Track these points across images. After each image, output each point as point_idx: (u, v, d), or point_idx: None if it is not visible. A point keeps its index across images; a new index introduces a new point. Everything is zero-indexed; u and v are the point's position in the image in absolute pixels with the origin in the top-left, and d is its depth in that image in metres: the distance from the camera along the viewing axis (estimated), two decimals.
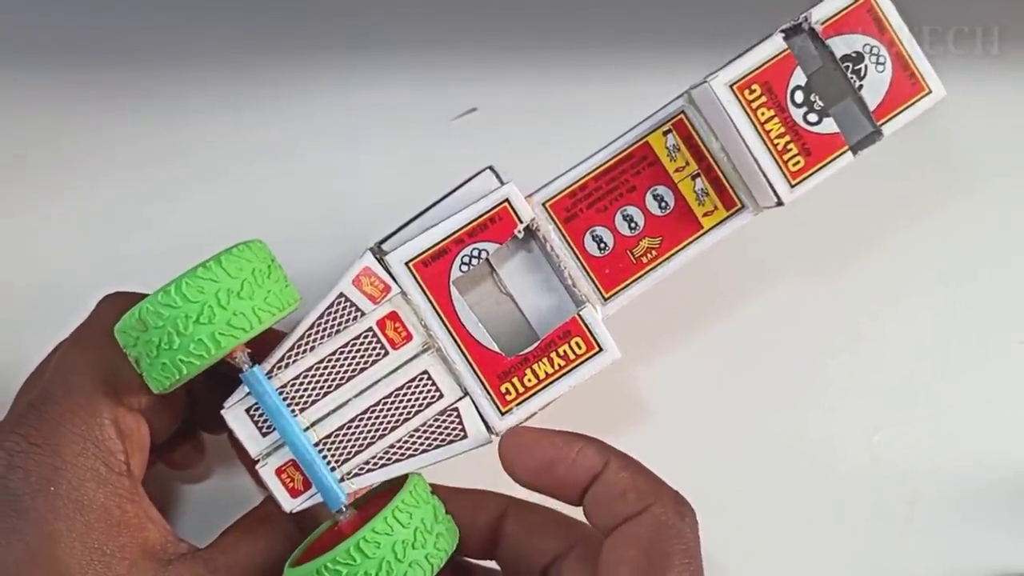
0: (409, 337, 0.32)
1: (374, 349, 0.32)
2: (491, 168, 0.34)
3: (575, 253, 0.34)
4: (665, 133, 0.34)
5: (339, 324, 0.32)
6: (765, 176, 0.32)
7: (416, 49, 0.42)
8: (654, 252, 0.34)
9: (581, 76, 0.43)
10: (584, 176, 0.34)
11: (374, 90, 0.42)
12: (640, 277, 0.34)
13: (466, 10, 0.42)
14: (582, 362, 0.33)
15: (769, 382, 0.42)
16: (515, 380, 0.32)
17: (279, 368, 0.32)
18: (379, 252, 0.33)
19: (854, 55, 0.33)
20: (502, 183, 0.34)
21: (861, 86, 0.33)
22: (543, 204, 0.34)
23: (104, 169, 0.41)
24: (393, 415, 0.32)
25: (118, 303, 0.33)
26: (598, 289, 0.34)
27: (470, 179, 0.34)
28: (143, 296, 0.33)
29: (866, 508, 0.41)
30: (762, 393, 0.41)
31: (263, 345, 0.32)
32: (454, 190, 0.34)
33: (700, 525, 0.30)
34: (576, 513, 0.31)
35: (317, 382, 0.32)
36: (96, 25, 0.42)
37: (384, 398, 0.32)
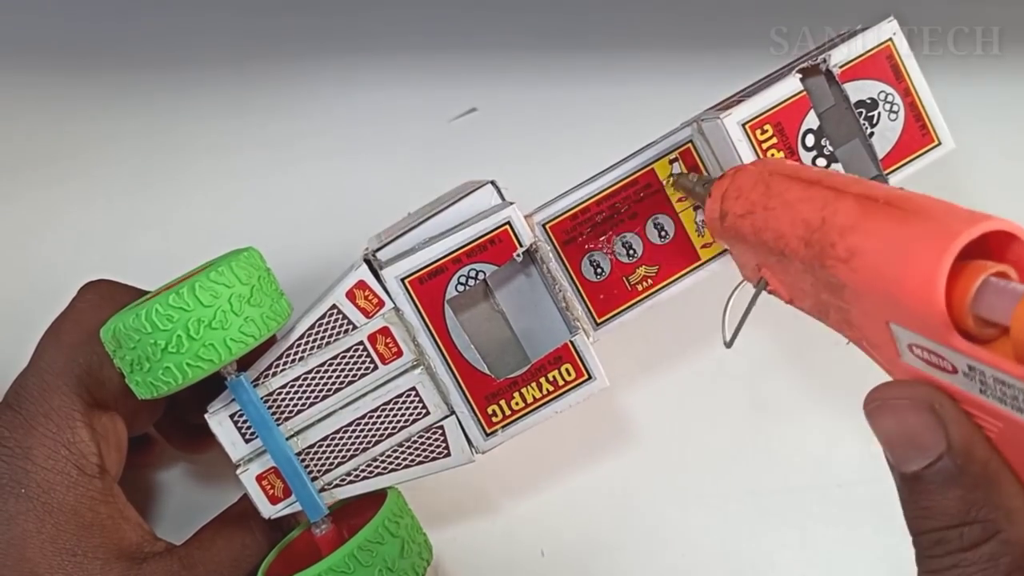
0: (399, 353, 0.32)
1: (363, 363, 0.32)
2: (493, 183, 0.33)
3: (571, 277, 0.33)
4: (672, 162, 0.34)
5: (330, 336, 0.32)
6: None
7: (416, 50, 0.41)
8: (650, 280, 0.34)
9: (581, 77, 0.43)
10: (587, 199, 0.33)
11: (374, 91, 0.41)
12: (634, 305, 0.34)
13: (466, 11, 0.41)
14: (570, 389, 0.33)
15: (764, 388, 0.42)
16: (502, 402, 0.32)
17: (266, 376, 0.32)
18: (375, 262, 0.32)
19: (868, 101, 0.33)
20: (503, 199, 0.33)
21: (872, 133, 0.33)
22: (543, 225, 0.33)
23: (104, 170, 0.40)
24: (378, 429, 0.32)
25: (100, 292, 0.33)
26: (591, 314, 0.34)
27: (471, 192, 0.33)
28: (123, 287, 0.33)
29: (865, 508, 0.41)
30: (757, 401, 0.42)
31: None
32: (454, 202, 0.33)
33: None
34: None
35: (304, 392, 0.32)
36: (97, 26, 0.41)
37: (370, 412, 0.32)
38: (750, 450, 0.41)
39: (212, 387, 0.32)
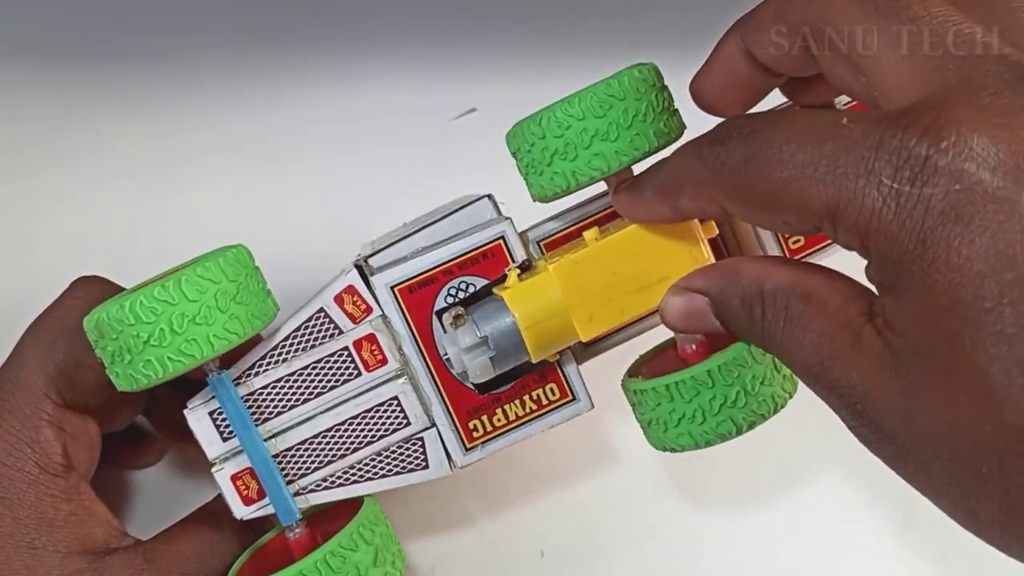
0: (384, 361, 0.32)
1: (347, 368, 0.32)
2: (490, 196, 0.33)
3: None
4: None
5: (316, 339, 0.32)
6: None
7: (415, 49, 0.41)
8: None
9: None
10: (582, 220, 0.33)
11: (373, 90, 0.41)
12: (624, 328, 0.34)
13: (466, 10, 0.42)
14: (554, 409, 0.32)
15: None
16: (484, 418, 0.32)
17: (248, 375, 0.31)
18: (366, 267, 0.32)
19: None
20: (499, 213, 0.33)
21: None
22: (537, 243, 0.33)
23: (103, 170, 0.40)
24: (357, 436, 0.32)
25: (89, 290, 0.33)
26: None
27: (467, 205, 0.33)
28: (116, 288, 0.33)
29: (866, 508, 0.41)
30: None
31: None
32: (449, 214, 0.33)
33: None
34: None
35: (285, 394, 0.32)
36: (96, 26, 0.41)
37: (351, 418, 0.32)
38: (749, 449, 0.41)
39: (204, 383, 0.32)
